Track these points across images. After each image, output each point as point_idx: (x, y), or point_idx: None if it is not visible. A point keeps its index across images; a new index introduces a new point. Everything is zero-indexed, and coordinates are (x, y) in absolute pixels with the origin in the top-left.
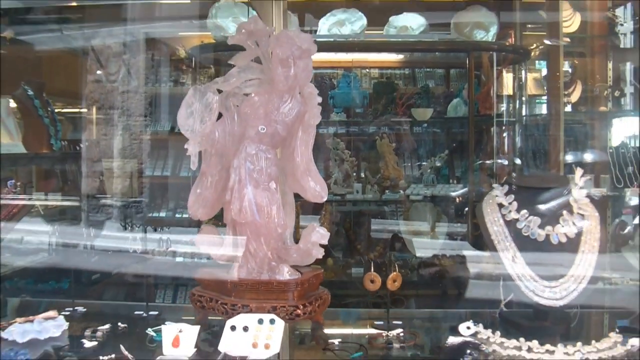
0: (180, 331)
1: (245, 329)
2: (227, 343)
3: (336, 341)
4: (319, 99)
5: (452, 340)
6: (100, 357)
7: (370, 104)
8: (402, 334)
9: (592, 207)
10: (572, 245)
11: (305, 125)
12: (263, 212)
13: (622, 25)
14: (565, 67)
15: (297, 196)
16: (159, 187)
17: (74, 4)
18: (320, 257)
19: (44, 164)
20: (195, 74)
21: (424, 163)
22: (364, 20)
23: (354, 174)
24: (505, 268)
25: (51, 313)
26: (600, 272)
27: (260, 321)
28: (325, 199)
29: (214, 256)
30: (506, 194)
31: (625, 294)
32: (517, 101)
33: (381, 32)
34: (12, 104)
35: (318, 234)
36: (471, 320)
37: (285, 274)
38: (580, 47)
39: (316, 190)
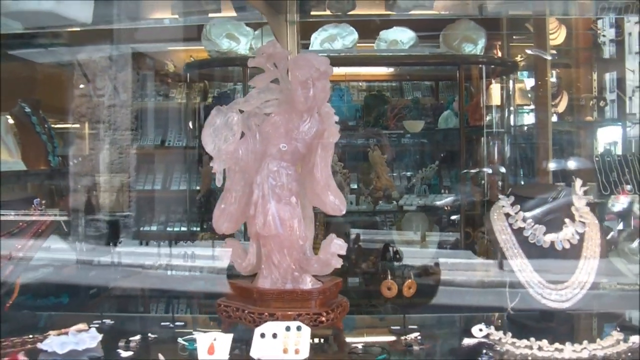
0: (214, 339)
1: (274, 335)
2: (259, 349)
3: (359, 345)
4: (336, 118)
5: (467, 341)
6: None
7: (362, 116)
8: (419, 337)
9: (592, 215)
10: (575, 251)
11: (324, 143)
12: (286, 225)
13: (603, 36)
14: (552, 78)
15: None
16: (149, 201)
17: (76, 29)
18: (339, 266)
19: (41, 181)
20: (184, 89)
21: (408, 173)
22: (355, 35)
23: (348, 185)
24: (515, 274)
25: (81, 325)
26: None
27: (288, 328)
28: (344, 212)
29: (238, 267)
30: (512, 204)
31: (613, 298)
32: (506, 111)
33: (372, 45)
34: (10, 120)
35: (337, 245)
36: (482, 323)
37: (308, 283)
38: (565, 58)
39: (335, 204)
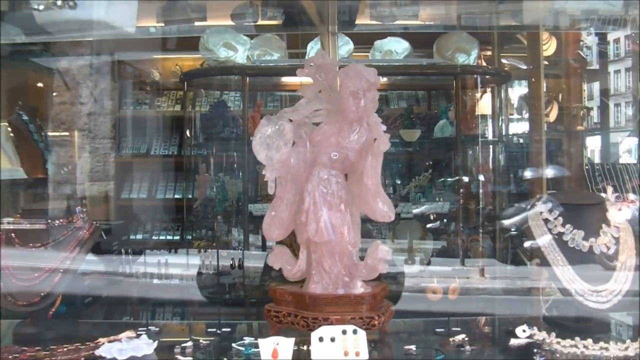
0: (277, 344)
1: (333, 339)
2: (319, 353)
3: (412, 347)
4: (384, 127)
5: (515, 342)
6: None
7: None
8: (466, 338)
9: (626, 221)
10: (612, 254)
11: (375, 151)
12: (337, 232)
13: (588, 48)
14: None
15: None
16: (134, 210)
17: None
18: (385, 272)
19: (39, 189)
20: (173, 97)
21: (398, 182)
22: (350, 45)
23: None
24: (557, 277)
25: (129, 333)
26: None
27: (344, 332)
28: (392, 219)
29: (286, 274)
30: (550, 211)
31: None
32: (499, 120)
33: (367, 55)
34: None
35: (384, 251)
36: (525, 324)
37: (359, 287)
38: (556, 69)
39: (384, 210)
